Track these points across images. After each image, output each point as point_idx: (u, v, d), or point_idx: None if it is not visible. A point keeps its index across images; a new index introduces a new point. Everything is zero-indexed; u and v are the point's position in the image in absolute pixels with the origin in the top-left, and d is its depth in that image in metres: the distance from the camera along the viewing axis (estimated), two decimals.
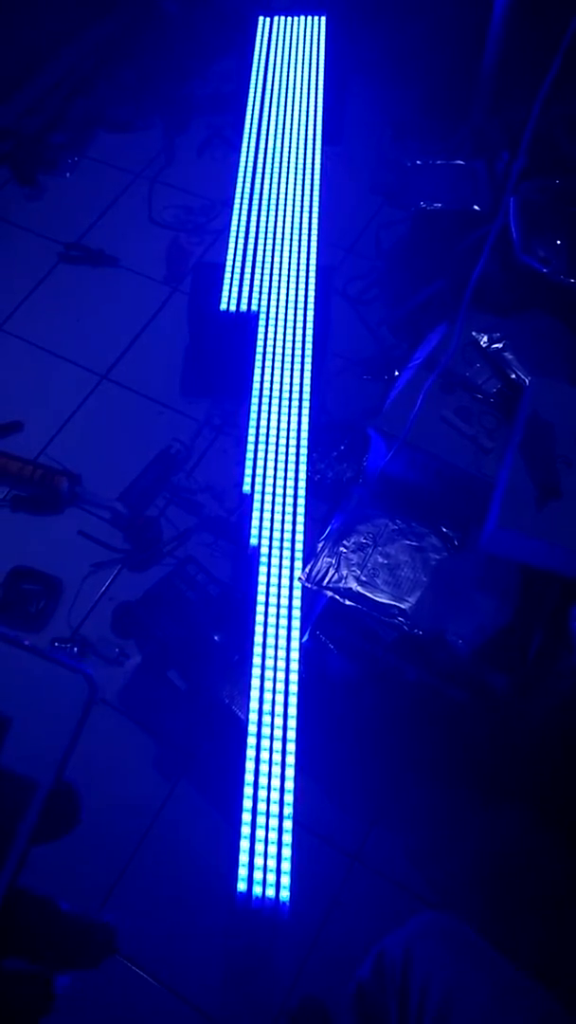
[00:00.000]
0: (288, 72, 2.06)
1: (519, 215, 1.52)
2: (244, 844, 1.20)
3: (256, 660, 1.30)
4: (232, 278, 1.71)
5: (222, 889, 1.29)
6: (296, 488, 1.46)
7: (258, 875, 1.18)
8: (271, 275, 1.71)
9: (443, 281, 1.70)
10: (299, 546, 1.39)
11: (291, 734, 1.25)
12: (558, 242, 1.49)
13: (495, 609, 1.23)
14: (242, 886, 1.18)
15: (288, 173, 1.87)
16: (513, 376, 1.36)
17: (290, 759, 1.24)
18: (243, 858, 1.19)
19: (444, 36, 2.12)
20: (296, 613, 1.33)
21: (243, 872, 1.18)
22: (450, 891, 1.33)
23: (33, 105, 2.31)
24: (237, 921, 1.29)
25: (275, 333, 1.63)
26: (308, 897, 1.26)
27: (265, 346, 1.62)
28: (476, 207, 1.72)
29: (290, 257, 1.74)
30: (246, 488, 1.47)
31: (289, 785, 1.23)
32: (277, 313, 1.66)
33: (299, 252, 1.74)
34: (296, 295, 1.68)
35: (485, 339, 1.40)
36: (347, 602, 1.25)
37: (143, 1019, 1.24)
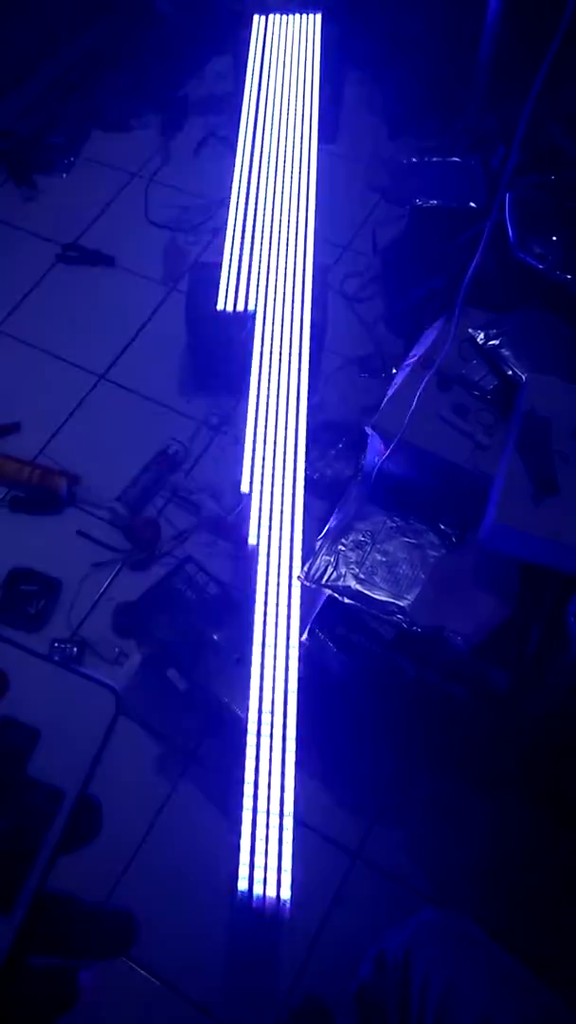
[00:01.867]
0: (283, 70, 2.05)
1: (515, 211, 1.52)
2: (245, 843, 1.20)
3: (255, 659, 1.30)
4: (229, 277, 1.71)
5: (224, 888, 1.29)
6: (294, 487, 1.46)
7: (259, 874, 1.18)
8: (268, 274, 1.71)
9: (440, 278, 1.70)
10: (298, 544, 1.39)
11: (291, 732, 1.25)
12: (554, 238, 1.49)
13: (494, 605, 1.23)
14: (243, 885, 1.18)
15: (284, 172, 1.86)
16: (510, 372, 1.36)
17: (290, 757, 1.24)
18: (244, 857, 1.19)
19: (440, 33, 2.12)
20: (295, 612, 1.33)
21: (244, 871, 1.18)
22: (451, 887, 1.33)
23: (29, 106, 2.32)
24: (239, 920, 1.29)
25: (272, 332, 1.63)
26: (309, 895, 1.26)
27: (262, 345, 1.61)
28: (472, 204, 1.72)
29: (287, 255, 1.73)
30: (244, 487, 1.47)
31: (289, 783, 1.22)
32: (274, 312, 1.65)
33: (296, 250, 1.74)
34: (293, 293, 1.68)
35: (481, 336, 1.40)
36: (346, 600, 1.25)
37: (146, 1017, 1.25)
